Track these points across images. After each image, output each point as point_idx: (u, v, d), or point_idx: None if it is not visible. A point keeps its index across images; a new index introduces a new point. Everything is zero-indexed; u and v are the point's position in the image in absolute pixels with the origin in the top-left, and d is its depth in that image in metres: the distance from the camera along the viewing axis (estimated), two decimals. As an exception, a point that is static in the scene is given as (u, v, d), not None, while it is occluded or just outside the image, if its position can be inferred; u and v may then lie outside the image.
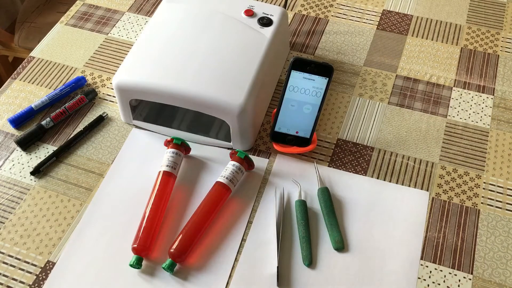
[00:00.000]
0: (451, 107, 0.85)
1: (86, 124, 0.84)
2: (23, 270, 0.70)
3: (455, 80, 0.89)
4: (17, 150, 0.82)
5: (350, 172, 0.78)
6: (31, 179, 0.79)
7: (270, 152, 0.81)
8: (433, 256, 0.70)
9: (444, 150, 0.80)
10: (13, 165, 0.80)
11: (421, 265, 0.69)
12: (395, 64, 0.91)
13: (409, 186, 0.77)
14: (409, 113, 0.85)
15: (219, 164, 0.79)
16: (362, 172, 0.78)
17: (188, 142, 0.79)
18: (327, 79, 0.75)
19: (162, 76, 0.77)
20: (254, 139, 0.82)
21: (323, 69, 0.74)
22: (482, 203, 0.75)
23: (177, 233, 0.71)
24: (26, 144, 0.82)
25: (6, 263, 0.71)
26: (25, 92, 0.89)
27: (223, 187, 0.73)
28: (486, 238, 0.71)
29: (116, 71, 0.89)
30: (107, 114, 0.85)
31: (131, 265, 0.68)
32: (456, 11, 0.99)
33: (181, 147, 0.77)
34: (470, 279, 0.68)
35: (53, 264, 0.70)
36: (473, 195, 0.75)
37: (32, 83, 0.91)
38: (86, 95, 0.87)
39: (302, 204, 0.73)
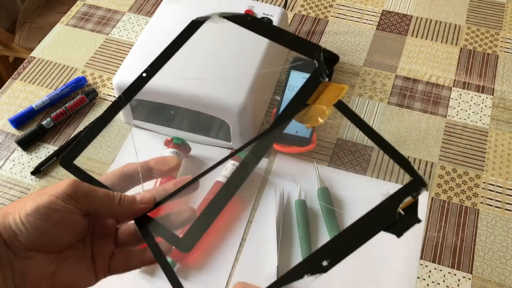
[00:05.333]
0: (450, 107, 0.85)
1: (86, 124, 0.84)
2: (23, 269, 0.70)
3: (455, 80, 0.89)
4: (17, 150, 0.82)
5: (350, 172, 0.78)
6: (31, 179, 0.79)
7: (270, 152, 0.81)
8: (433, 255, 0.70)
9: (444, 150, 0.80)
10: (14, 165, 0.81)
11: (421, 264, 0.69)
12: (394, 64, 0.91)
13: (408, 186, 0.77)
14: (409, 113, 0.85)
15: (219, 164, 0.79)
16: (362, 172, 0.78)
17: (188, 142, 0.79)
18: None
19: (162, 76, 0.77)
20: (254, 139, 0.82)
21: (322, 69, 0.75)
22: (481, 203, 0.75)
23: (177, 233, 0.71)
24: (27, 144, 0.82)
25: (7, 263, 0.71)
26: (25, 92, 0.90)
27: (223, 187, 0.73)
28: (485, 237, 0.71)
29: (116, 71, 0.89)
30: (107, 114, 0.85)
31: None
32: (456, 11, 0.99)
33: (181, 146, 0.77)
34: (469, 279, 0.68)
35: (54, 263, 0.70)
36: (473, 195, 0.75)
37: (33, 83, 0.91)
38: (86, 95, 0.87)
39: (302, 204, 0.73)
